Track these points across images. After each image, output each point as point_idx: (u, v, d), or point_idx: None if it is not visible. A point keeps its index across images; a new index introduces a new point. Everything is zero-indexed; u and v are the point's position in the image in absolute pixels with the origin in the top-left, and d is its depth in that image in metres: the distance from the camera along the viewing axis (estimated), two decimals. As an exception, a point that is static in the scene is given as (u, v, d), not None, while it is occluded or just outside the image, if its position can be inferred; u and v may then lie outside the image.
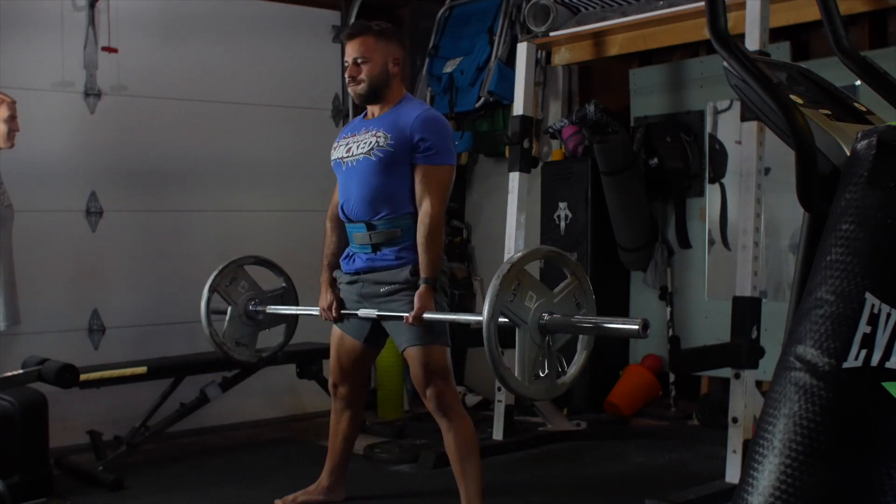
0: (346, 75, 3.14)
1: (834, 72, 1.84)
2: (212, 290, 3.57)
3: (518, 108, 4.38)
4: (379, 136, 3.06)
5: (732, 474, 3.42)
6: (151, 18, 4.69)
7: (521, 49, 4.44)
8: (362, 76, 3.09)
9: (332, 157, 3.23)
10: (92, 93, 4.49)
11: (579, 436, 4.48)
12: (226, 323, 3.62)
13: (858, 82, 2.13)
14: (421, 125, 3.01)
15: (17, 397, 3.49)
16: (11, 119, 3.82)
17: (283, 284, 3.74)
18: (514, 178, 4.34)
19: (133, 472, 3.90)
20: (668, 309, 4.73)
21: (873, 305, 1.26)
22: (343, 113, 5.27)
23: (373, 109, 3.17)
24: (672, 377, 4.71)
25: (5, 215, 3.87)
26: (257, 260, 3.73)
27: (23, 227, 4.02)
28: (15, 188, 3.95)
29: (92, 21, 4.45)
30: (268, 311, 3.62)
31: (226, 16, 4.91)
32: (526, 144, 4.34)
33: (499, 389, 4.24)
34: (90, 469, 3.87)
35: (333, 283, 3.27)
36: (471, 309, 5.35)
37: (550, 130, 4.85)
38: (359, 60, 3.08)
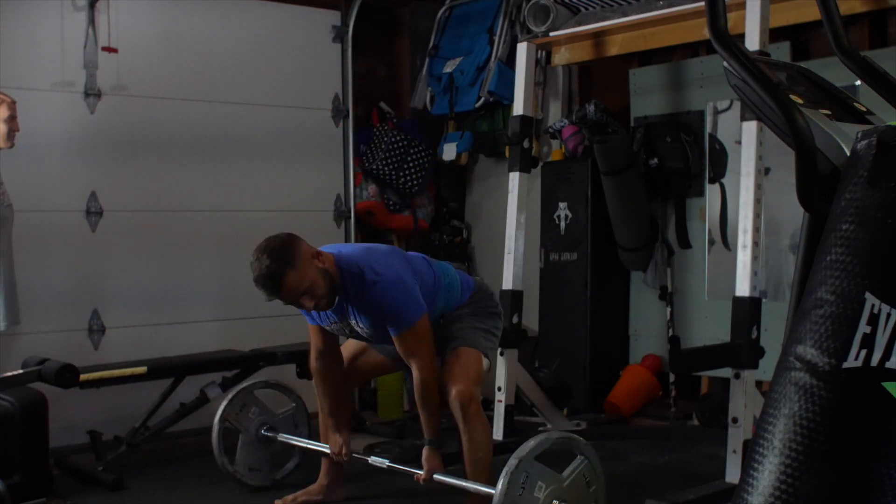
0: (309, 312, 3.03)
1: (834, 72, 1.83)
2: (222, 420, 3.63)
3: (518, 108, 4.37)
4: (361, 328, 3.09)
5: (732, 474, 3.42)
6: (151, 18, 4.69)
7: (521, 49, 4.44)
8: (319, 301, 2.94)
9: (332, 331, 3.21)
10: (92, 93, 4.49)
11: (579, 436, 4.47)
12: (238, 450, 3.67)
13: (858, 82, 2.13)
14: (376, 309, 2.99)
15: (17, 397, 3.49)
16: (11, 119, 3.82)
17: (293, 404, 3.80)
18: (514, 178, 4.33)
19: (133, 472, 3.90)
20: (668, 309, 4.73)
21: (873, 305, 1.26)
22: (343, 113, 5.26)
23: None
24: (672, 377, 4.71)
25: (5, 215, 3.87)
26: (267, 384, 3.80)
27: (23, 227, 4.02)
28: (15, 188, 3.94)
29: (92, 21, 4.45)
30: (279, 438, 3.67)
31: (226, 16, 4.91)
32: (526, 144, 4.34)
33: (499, 389, 4.24)
34: (90, 469, 3.87)
35: (340, 428, 3.31)
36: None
37: (550, 130, 4.85)
38: (306, 294, 2.90)
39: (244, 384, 3.76)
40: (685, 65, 4.77)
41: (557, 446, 2.78)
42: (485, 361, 3.16)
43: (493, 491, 2.65)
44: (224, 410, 3.63)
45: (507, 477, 2.59)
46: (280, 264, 2.83)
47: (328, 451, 3.36)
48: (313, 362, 3.27)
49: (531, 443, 2.70)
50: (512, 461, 2.64)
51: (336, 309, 3.05)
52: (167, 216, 4.74)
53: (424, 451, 3.08)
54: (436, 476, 3.06)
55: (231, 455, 3.66)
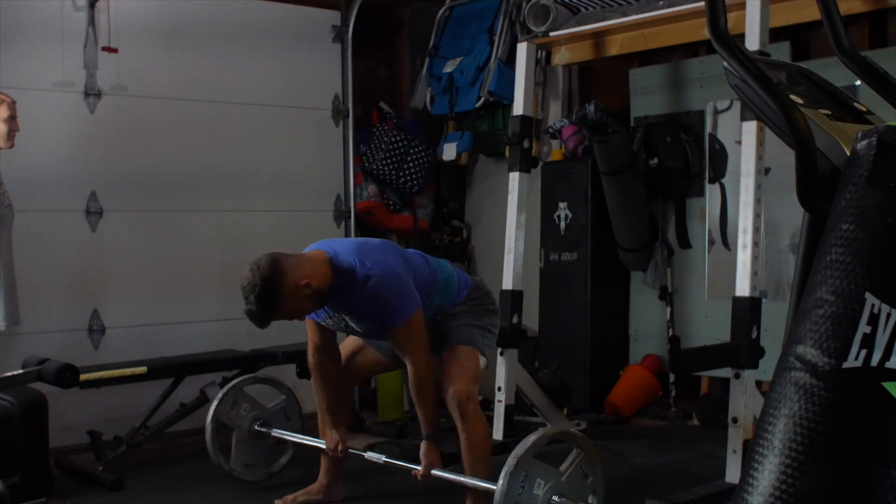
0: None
1: (834, 72, 1.83)
2: (214, 420, 3.66)
3: (518, 108, 4.37)
4: (355, 324, 3.09)
5: (732, 474, 3.42)
6: (151, 18, 4.68)
7: (521, 49, 4.43)
8: (308, 314, 3.07)
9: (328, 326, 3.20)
10: (92, 93, 4.49)
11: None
12: (233, 448, 3.69)
13: (858, 82, 2.13)
14: (370, 306, 2.97)
15: (17, 397, 3.49)
16: (11, 119, 3.82)
17: (284, 397, 3.82)
18: (514, 178, 4.33)
19: (133, 472, 3.90)
20: (668, 309, 4.73)
21: (873, 305, 1.26)
22: (343, 113, 5.26)
23: None
24: (672, 377, 4.71)
25: (5, 215, 3.87)
26: (256, 380, 3.84)
27: (23, 227, 4.02)
28: (15, 188, 3.94)
29: (92, 21, 4.44)
30: (273, 434, 3.70)
31: (225, 16, 4.91)
32: (526, 144, 4.33)
33: (499, 389, 4.24)
34: (90, 469, 3.87)
35: (337, 424, 3.30)
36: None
37: (550, 130, 4.85)
38: (294, 317, 3.01)
39: (233, 382, 3.76)
40: (685, 65, 4.77)
41: (556, 440, 2.81)
42: (482, 359, 3.15)
43: (493, 487, 2.66)
44: (216, 409, 3.66)
45: (506, 477, 2.61)
46: (265, 309, 2.85)
47: (323, 446, 3.35)
48: (311, 358, 3.25)
49: (530, 439, 2.71)
50: (511, 461, 2.65)
51: (331, 304, 3.05)
52: (167, 216, 4.74)
53: (422, 446, 3.07)
54: (434, 471, 3.04)
55: (226, 455, 3.67)
